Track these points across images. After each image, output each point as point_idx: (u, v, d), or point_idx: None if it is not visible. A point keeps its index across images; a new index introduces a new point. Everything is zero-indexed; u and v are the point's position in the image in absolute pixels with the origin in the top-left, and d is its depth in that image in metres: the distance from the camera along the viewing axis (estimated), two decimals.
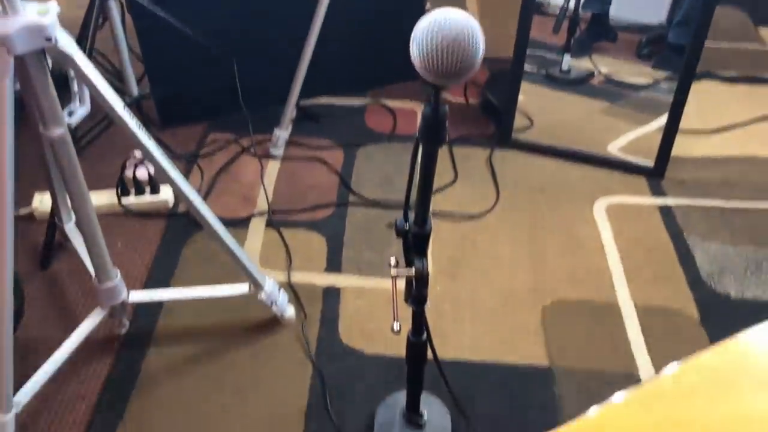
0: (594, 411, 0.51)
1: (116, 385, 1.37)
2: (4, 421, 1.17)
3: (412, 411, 1.26)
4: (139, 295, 1.43)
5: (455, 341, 1.47)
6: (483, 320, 1.52)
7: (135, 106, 2.04)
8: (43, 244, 1.61)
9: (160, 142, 1.22)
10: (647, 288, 1.60)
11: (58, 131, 1.06)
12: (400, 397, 1.28)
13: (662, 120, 1.88)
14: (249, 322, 1.50)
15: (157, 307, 1.53)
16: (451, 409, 1.31)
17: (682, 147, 1.98)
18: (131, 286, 1.51)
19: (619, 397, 0.52)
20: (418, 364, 1.15)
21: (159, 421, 1.31)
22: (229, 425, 1.31)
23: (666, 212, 1.82)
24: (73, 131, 1.14)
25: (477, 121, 2.16)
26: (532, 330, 1.50)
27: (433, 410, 1.30)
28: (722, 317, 1.53)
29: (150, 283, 1.59)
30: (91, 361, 1.41)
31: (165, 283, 1.59)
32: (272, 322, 1.50)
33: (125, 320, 1.47)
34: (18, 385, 1.20)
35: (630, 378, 1.40)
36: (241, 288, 1.43)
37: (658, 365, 1.42)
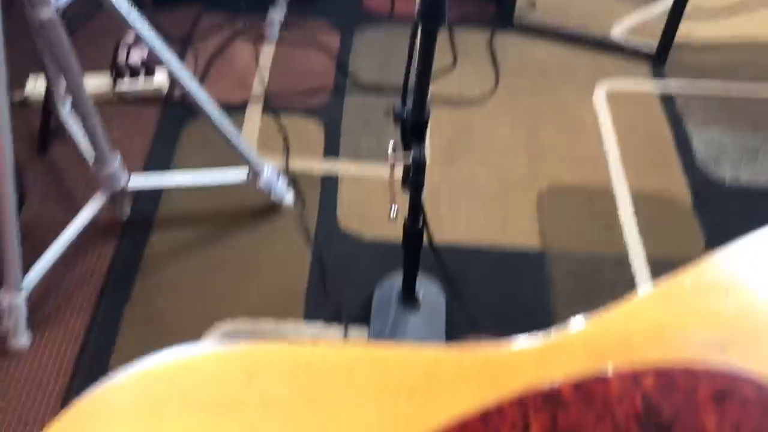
0: (617, 306, 0.53)
1: (120, 268, 1.41)
2: (16, 303, 1.21)
3: (408, 292, 1.30)
4: (138, 181, 1.43)
5: (451, 226, 1.50)
6: (479, 205, 1.54)
7: None
8: (39, 130, 1.61)
9: (152, 24, 1.18)
10: (643, 174, 1.61)
11: (46, 12, 1.03)
12: (397, 280, 1.32)
13: (668, 1, 1.82)
14: (249, 208, 1.52)
15: (157, 193, 1.54)
16: (445, 291, 1.35)
17: (687, 30, 1.93)
18: (130, 172, 1.52)
19: (641, 291, 0.55)
20: (414, 249, 1.17)
21: (163, 303, 1.35)
22: (231, 305, 1.35)
23: (666, 98, 1.80)
24: (62, 12, 1.10)
25: (478, 1, 2.09)
26: (527, 215, 1.52)
27: (429, 292, 1.34)
28: (716, 204, 1.55)
29: (149, 170, 1.59)
30: (95, 246, 1.44)
31: (164, 169, 1.59)
32: (272, 208, 1.52)
33: (126, 206, 1.48)
34: (24, 270, 1.24)
35: (621, 263, 1.44)
36: (240, 174, 1.44)
37: (649, 250, 1.46)
